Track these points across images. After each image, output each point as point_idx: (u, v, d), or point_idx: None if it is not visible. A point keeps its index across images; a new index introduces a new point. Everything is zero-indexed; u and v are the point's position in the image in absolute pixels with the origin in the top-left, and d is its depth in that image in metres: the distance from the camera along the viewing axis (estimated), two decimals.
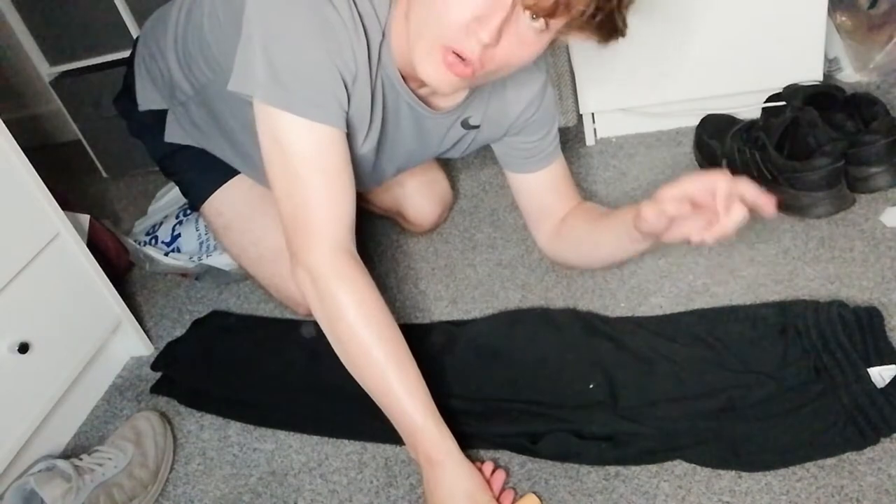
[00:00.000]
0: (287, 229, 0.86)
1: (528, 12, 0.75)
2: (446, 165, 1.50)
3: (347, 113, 0.85)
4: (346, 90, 0.84)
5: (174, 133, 1.15)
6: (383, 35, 0.85)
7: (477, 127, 1.02)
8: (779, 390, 0.87)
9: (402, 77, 0.89)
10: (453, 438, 0.84)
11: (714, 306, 1.03)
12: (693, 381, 0.92)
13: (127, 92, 1.20)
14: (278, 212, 0.86)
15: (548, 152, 1.06)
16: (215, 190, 1.16)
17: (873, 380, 0.83)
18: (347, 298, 0.83)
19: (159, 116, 1.15)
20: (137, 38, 1.19)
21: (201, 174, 1.17)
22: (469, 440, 0.94)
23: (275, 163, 0.84)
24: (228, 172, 1.16)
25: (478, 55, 0.77)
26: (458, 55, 0.77)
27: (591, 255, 1.07)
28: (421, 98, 0.93)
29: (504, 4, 0.74)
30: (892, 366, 0.84)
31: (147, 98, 1.15)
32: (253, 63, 0.82)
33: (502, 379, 0.99)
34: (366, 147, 0.94)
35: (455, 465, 0.83)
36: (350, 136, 0.88)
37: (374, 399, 0.85)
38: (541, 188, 1.09)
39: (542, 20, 0.76)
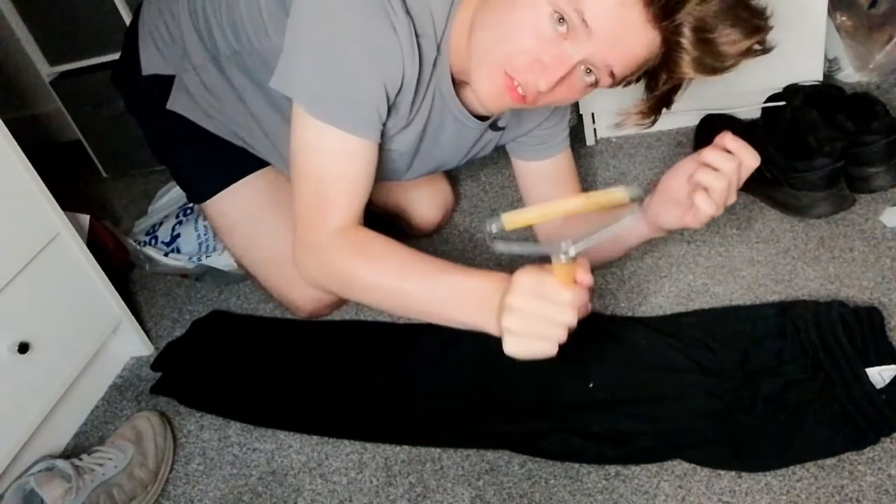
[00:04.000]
0: (300, 216, 0.87)
1: (583, 67, 0.78)
2: None
3: (385, 125, 0.87)
4: (388, 102, 0.85)
5: (179, 101, 1.11)
6: (438, 51, 0.86)
7: (503, 128, 1.04)
8: (778, 390, 0.87)
9: (454, 81, 0.90)
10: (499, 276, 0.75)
11: (714, 306, 1.03)
12: (693, 380, 0.92)
13: (126, 62, 1.16)
14: (294, 201, 0.87)
15: (559, 139, 1.07)
16: (221, 190, 1.14)
17: (872, 380, 0.83)
18: (354, 261, 0.84)
19: (163, 84, 1.11)
20: (141, 3, 1.16)
21: (206, 170, 1.15)
22: (469, 440, 0.94)
23: (301, 161, 0.86)
24: (235, 172, 1.14)
25: (533, 96, 0.80)
26: (514, 81, 0.79)
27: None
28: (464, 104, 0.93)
29: (568, 62, 0.77)
30: (892, 366, 0.84)
31: (151, 63, 1.12)
32: (300, 68, 0.83)
33: (502, 379, 0.99)
34: (403, 148, 0.96)
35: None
36: (387, 139, 0.91)
37: (432, 320, 0.81)
38: (547, 178, 1.09)
39: (594, 76, 0.79)
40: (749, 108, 1.29)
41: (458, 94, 0.91)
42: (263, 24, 0.94)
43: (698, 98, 1.37)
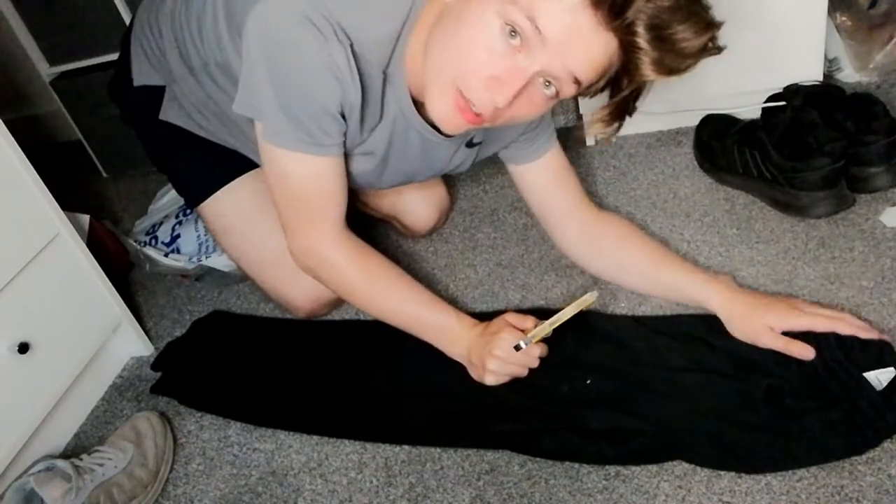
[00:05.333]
0: (288, 232, 1.00)
1: (542, 79, 0.77)
2: None
3: (346, 138, 0.91)
4: (346, 121, 0.89)
5: (170, 111, 1.13)
6: (385, 76, 0.88)
7: (480, 143, 1.04)
8: (778, 392, 0.87)
9: (415, 101, 0.91)
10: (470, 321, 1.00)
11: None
12: (693, 381, 0.92)
13: (120, 73, 1.18)
14: (280, 218, 0.99)
15: (544, 138, 1.07)
16: (215, 191, 1.15)
17: (871, 383, 0.83)
18: (350, 269, 0.99)
19: (155, 94, 1.13)
20: (134, 15, 1.18)
21: (200, 173, 1.16)
22: (469, 440, 0.94)
23: (275, 183, 0.96)
24: (229, 174, 1.15)
25: (490, 113, 0.79)
26: (469, 103, 0.79)
27: (627, 282, 1.09)
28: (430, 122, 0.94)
29: (524, 75, 0.76)
30: (890, 368, 0.84)
31: (143, 74, 1.14)
32: (258, 94, 0.86)
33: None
34: (369, 163, 0.99)
35: (481, 327, 0.98)
36: (351, 153, 0.96)
37: (409, 332, 1.02)
38: (545, 180, 1.09)
39: (553, 88, 0.78)
40: (749, 108, 1.29)
41: (423, 112, 0.91)
42: (219, 38, 0.96)
43: (698, 98, 1.37)
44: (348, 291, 1.02)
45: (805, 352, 0.88)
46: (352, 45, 0.83)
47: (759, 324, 0.92)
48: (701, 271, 1.02)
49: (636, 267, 1.06)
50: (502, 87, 0.76)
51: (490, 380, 0.95)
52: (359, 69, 0.84)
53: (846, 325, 0.89)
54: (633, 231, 1.09)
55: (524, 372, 0.95)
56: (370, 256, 1.01)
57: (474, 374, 0.98)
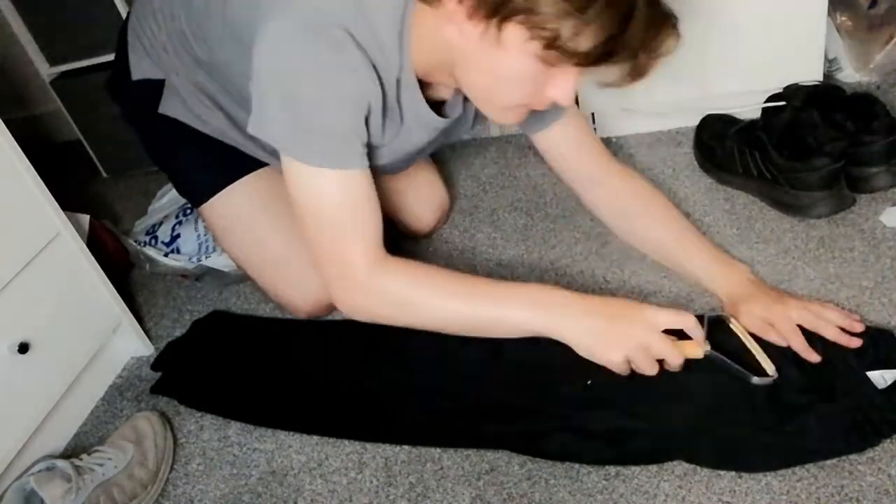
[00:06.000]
0: (319, 260, 0.89)
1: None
2: (445, 167, 1.50)
3: (368, 148, 0.90)
4: (368, 127, 0.88)
5: (170, 104, 1.12)
6: (398, 81, 0.88)
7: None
8: (780, 391, 0.87)
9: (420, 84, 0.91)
10: (553, 293, 0.87)
11: (714, 307, 1.02)
12: (693, 381, 0.91)
13: (118, 69, 1.17)
14: (311, 246, 0.89)
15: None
16: (218, 192, 1.14)
17: (874, 381, 0.83)
18: (401, 286, 0.88)
19: (154, 88, 1.12)
20: (129, 10, 1.17)
21: (202, 173, 1.16)
22: (469, 440, 0.94)
23: (301, 203, 0.87)
24: (231, 174, 1.14)
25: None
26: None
27: (651, 254, 1.12)
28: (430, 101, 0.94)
29: (543, 103, 0.84)
30: (894, 370, 0.84)
31: (141, 67, 1.13)
32: (271, 114, 0.84)
33: (502, 378, 0.99)
34: (382, 157, 0.98)
35: (582, 299, 0.87)
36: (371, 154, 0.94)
37: (491, 335, 0.90)
38: (565, 146, 1.09)
39: None
40: (749, 108, 1.29)
41: (426, 93, 0.93)
42: (220, 38, 0.95)
43: (698, 98, 1.37)
44: (406, 307, 0.89)
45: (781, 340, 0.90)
46: (367, 53, 0.83)
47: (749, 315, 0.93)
48: (716, 260, 1.03)
49: (659, 245, 1.09)
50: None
51: (638, 358, 0.83)
52: (377, 74, 0.84)
53: (832, 331, 0.88)
54: (657, 205, 1.09)
55: (655, 369, 0.84)
56: (419, 263, 0.91)
57: (606, 343, 0.84)
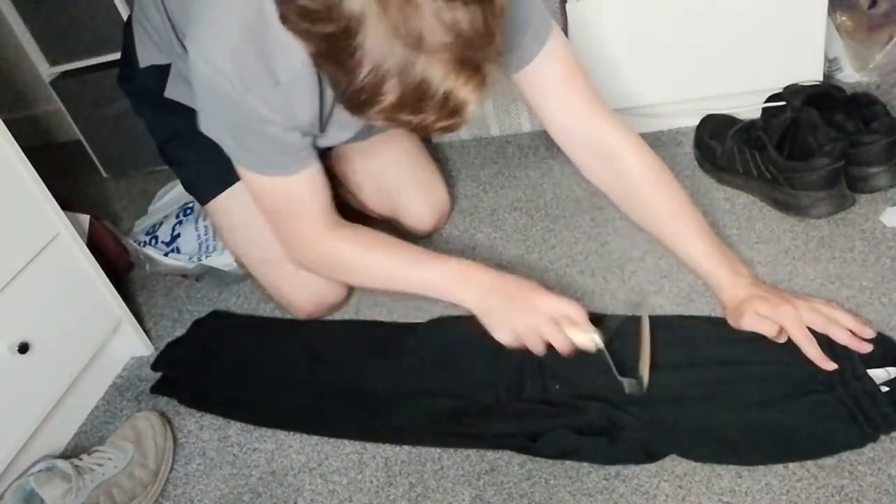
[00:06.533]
0: (278, 235, 1.02)
1: None
2: (445, 166, 1.50)
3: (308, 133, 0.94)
4: (308, 127, 0.92)
5: (176, 88, 1.13)
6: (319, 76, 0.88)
7: None
8: (779, 387, 0.87)
9: None
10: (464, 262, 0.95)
11: (714, 307, 1.02)
12: (692, 378, 0.91)
13: (126, 59, 1.17)
14: (270, 225, 1.02)
15: (532, 34, 0.94)
16: (225, 188, 1.14)
17: (875, 378, 0.83)
18: (347, 252, 0.99)
19: (161, 74, 1.12)
20: (133, 2, 1.17)
21: (210, 169, 1.14)
22: (469, 440, 0.94)
23: (255, 195, 0.99)
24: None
25: None
26: None
27: (637, 219, 1.03)
28: None
29: None
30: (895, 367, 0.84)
31: (147, 54, 1.13)
32: (215, 127, 0.92)
33: (502, 378, 0.99)
34: (345, 135, 1.02)
35: (493, 279, 0.93)
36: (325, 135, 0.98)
37: (405, 292, 0.99)
38: (553, 79, 0.98)
39: None
40: (749, 108, 1.29)
41: None
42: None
43: (698, 98, 1.37)
44: (349, 270, 1.02)
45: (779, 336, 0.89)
46: (281, 72, 0.84)
47: (747, 310, 0.91)
48: (712, 255, 0.96)
49: (655, 220, 1.01)
50: None
51: (526, 338, 0.89)
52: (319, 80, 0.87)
53: (844, 335, 0.87)
54: (663, 177, 1.02)
55: (541, 347, 0.89)
56: (364, 231, 1.02)
57: (499, 320, 0.91)
